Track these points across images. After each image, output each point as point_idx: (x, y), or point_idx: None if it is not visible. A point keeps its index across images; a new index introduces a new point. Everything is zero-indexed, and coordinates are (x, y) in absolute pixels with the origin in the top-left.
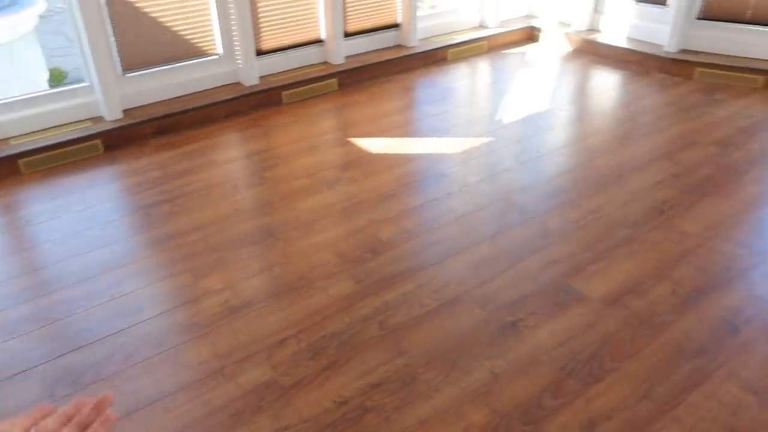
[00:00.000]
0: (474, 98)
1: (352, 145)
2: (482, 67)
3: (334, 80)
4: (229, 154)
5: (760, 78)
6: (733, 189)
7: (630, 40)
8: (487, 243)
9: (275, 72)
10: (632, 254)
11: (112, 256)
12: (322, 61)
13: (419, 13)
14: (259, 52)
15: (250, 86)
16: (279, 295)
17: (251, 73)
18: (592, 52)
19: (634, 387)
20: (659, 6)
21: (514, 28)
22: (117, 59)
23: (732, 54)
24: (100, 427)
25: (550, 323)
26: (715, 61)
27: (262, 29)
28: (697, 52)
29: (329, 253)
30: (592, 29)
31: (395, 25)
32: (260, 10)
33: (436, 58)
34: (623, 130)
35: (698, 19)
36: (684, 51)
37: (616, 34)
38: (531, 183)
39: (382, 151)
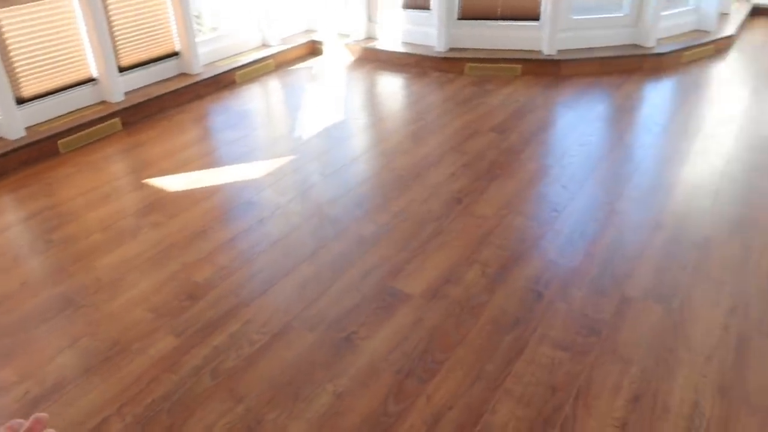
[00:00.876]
0: (270, 118)
1: (150, 186)
2: (273, 85)
3: (116, 120)
4: (2, 222)
5: (518, 66)
6: (514, 169)
7: (405, 44)
8: (307, 262)
9: (45, 120)
10: (442, 246)
11: None
12: (98, 101)
13: (199, 39)
14: (21, 100)
15: (16, 140)
16: (91, 371)
17: (14, 124)
18: (373, 59)
19: (466, 372)
20: (424, 11)
21: (297, 43)
22: None
23: (492, 47)
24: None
25: (381, 329)
26: (480, 55)
27: (20, 74)
28: (464, 49)
29: (142, 310)
30: (370, 37)
31: (175, 54)
32: (12, 52)
33: (225, 82)
34: (413, 130)
35: (459, 19)
36: (453, 49)
37: (392, 40)
38: (339, 194)
39: (184, 188)
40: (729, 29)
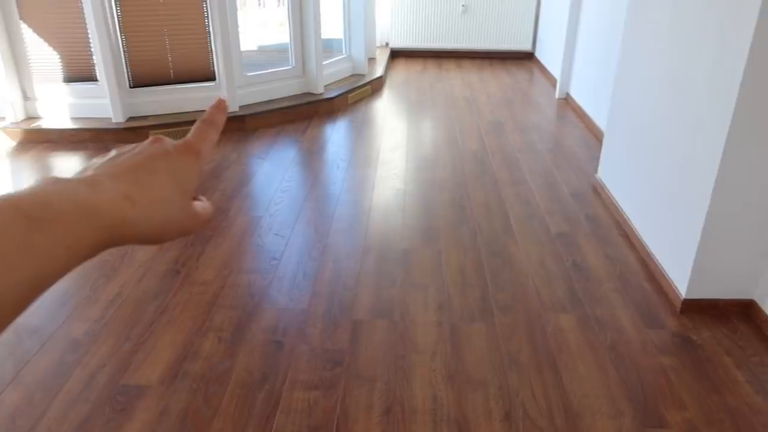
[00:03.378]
0: None
1: None
2: None
3: None
4: None
5: None
6: (225, 227)
7: (77, 119)
8: (11, 388)
9: None
10: (170, 323)
11: None
12: None
13: None
14: None
15: None
16: None
17: None
18: (41, 141)
19: None
20: (91, 82)
21: None
22: None
23: (176, 111)
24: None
25: None
26: (165, 121)
27: None
28: (145, 117)
29: None
30: (32, 117)
31: None
32: None
33: None
34: None
35: (132, 87)
36: (133, 118)
37: (60, 116)
38: None
39: None
40: (378, 71)
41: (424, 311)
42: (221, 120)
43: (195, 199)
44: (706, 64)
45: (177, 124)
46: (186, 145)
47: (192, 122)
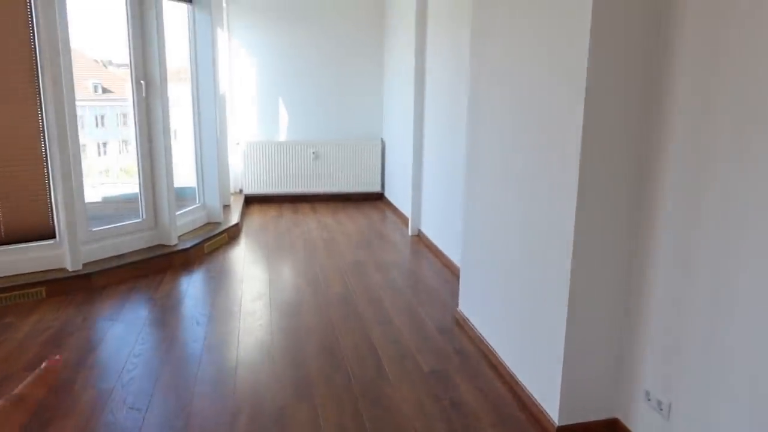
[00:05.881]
0: None
1: None
2: None
3: None
4: None
5: (42, 289)
6: (68, 406)
7: None
8: None
9: None
10: None
11: None
12: None
13: None
14: None
15: None
16: None
17: None
18: None
19: None
20: None
21: None
22: None
23: (9, 274)
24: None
25: None
26: None
27: None
28: None
29: None
30: None
31: None
32: None
33: None
34: None
35: None
36: None
37: None
38: None
39: None
40: (234, 218)
41: None
42: None
43: None
44: (542, 191)
45: (10, 289)
46: None
47: (29, 285)
